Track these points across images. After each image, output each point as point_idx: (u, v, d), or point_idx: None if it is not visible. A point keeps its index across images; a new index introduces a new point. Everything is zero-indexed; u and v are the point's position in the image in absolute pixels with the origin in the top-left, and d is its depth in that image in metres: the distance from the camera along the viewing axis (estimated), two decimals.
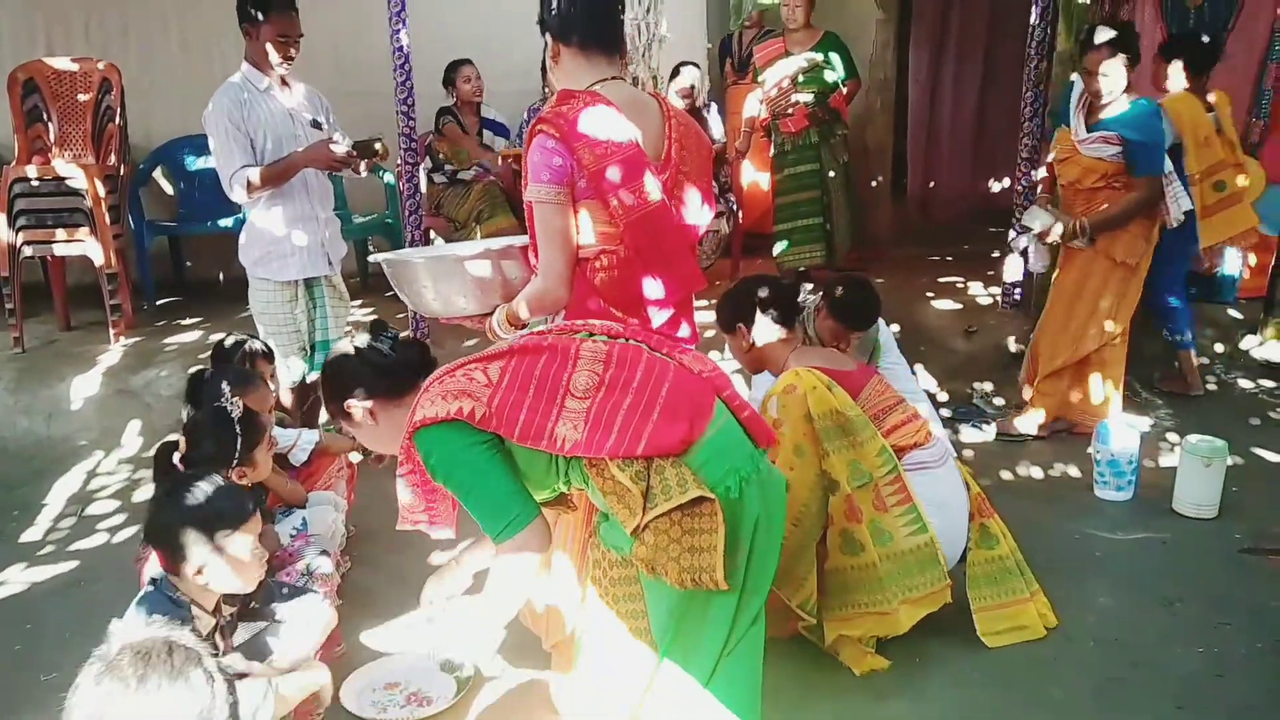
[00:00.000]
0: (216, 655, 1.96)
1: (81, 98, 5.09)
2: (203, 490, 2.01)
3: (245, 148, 3.43)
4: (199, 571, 1.98)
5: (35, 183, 4.67)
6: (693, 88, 5.71)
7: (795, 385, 2.69)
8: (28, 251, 4.78)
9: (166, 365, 4.70)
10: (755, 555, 1.85)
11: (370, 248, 5.96)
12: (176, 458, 2.60)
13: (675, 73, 5.60)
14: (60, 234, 4.74)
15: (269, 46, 3.42)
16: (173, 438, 2.68)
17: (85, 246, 4.76)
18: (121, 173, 5.21)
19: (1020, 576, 2.84)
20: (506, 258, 2.41)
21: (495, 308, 2.37)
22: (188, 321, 5.36)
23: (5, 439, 4.34)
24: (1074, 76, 4.14)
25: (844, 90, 5.70)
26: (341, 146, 3.46)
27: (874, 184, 6.87)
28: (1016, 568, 2.84)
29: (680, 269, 2.35)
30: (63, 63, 5.13)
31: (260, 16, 3.41)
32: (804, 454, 2.67)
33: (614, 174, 2.21)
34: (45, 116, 5.11)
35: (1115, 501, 3.68)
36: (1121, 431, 3.67)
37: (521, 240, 2.47)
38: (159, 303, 5.69)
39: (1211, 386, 4.79)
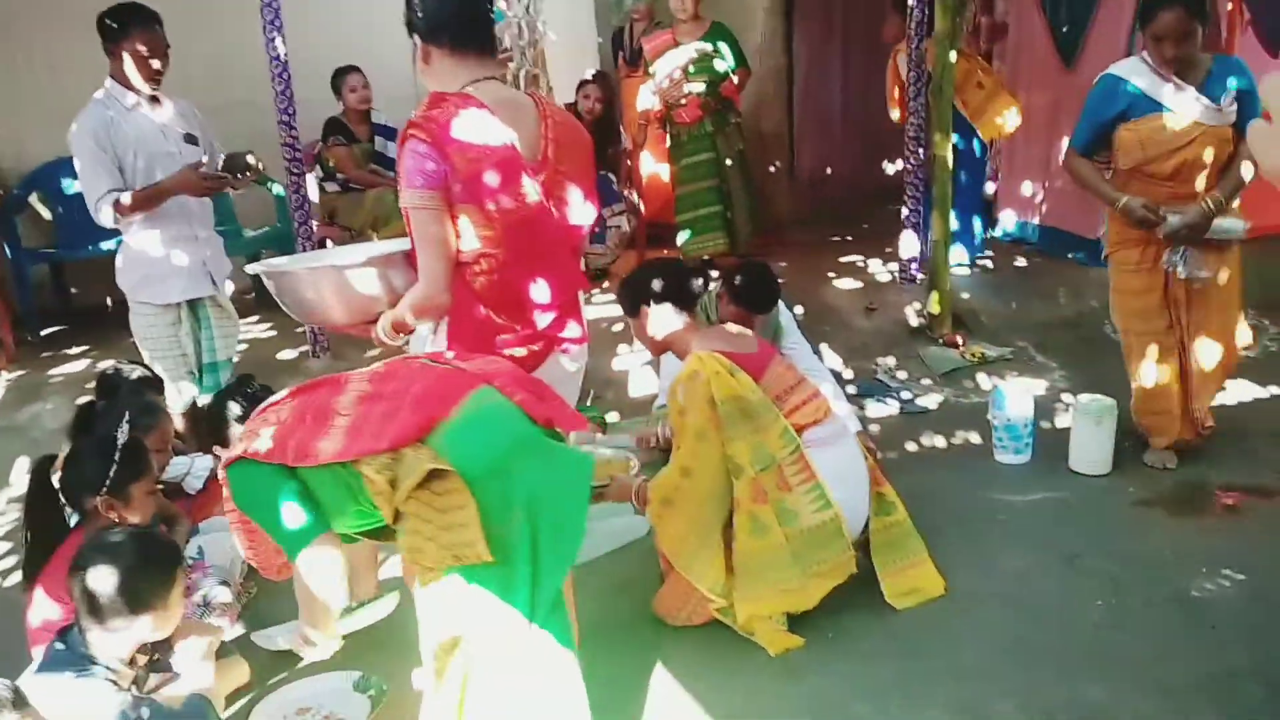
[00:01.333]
0: (144, 702, 1.92)
1: None
2: (136, 551, 2.00)
3: (112, 170, 3.29)
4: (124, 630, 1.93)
5: None
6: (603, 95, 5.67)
7: (699, 371, 2.70)
8: None
9: (52, 398, 4.52)
10: (543, 532, 1.91)
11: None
12: (56, 479, 2.50)
13: (582, 83, 5.60)
14: None
15: (131, 64, 3.29)
16: (51, 453, 2.58)
17: None
18: None
19: (916, 538, 2.93)
20: (390, 264, 2.36)
21: (380, 315, 2.33)
22: (74, 351, 5.16)
23: None
24: (1119, 66, 3.48)
25: (734, 79, 5.75)
26: (209, 168, 3.34)
27: (772, 169, 6.94)
28: (913, 530, 2.93)
29: (562, 271, 2.34)
30: None
31: (120, 33, 3.28)
32: (707, 439, 2.69)
33: (489, 178, 2.18)
34: None
35: (1015, 465, 3.78)
36: (1016, 396, 3.78)
37: (405, 245, 2.43)
38: (44, 333, 5.47)
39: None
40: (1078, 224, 5.79)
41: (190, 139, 3.47)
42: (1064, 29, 5.87)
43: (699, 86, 5.64)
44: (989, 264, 6.02)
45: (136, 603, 1.94)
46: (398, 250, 2.40)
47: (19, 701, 1.37)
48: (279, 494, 1.95)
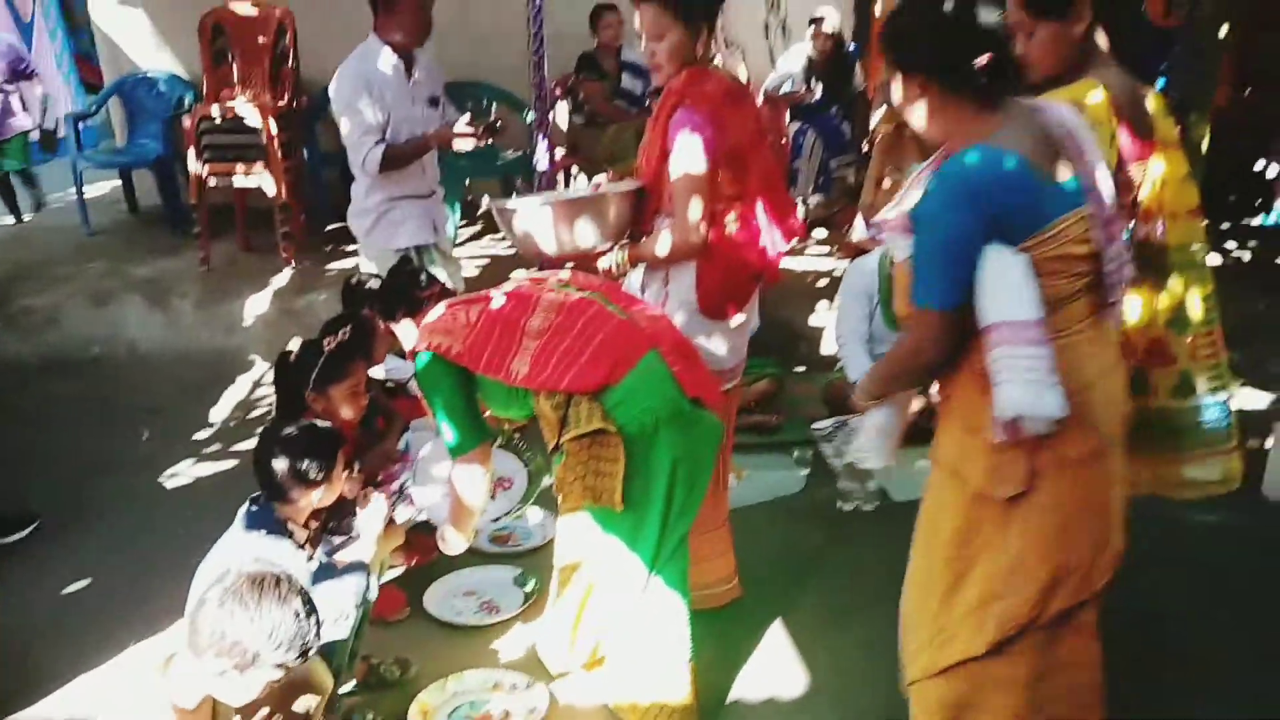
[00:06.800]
0: (310, 559, 2.38)
1: (260, 40, 5.58)
2: (301, 439, 2.38)
3: (379, 124, 3.45)
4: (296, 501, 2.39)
5: (218, 121, 5.23)
6: (836, 33, 5.63)
7: None
8: (213, 182, 5.37)
9: (326, 290, 5.17)
10: (678, 490, 2.23)
11: (518, 185, 6.16)
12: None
13: (814, 20, 5.57)
14: (239, 167, 5.29)
15: (409, 19, 3.42)
16: (290, 348, 2.95)
17: (260, 179, 5.30)
18: (296, 109, 5.71)
19: None
20: (617, 203, 2.60)
21: (603, 248, 2.61)
22: (350, 248, 5.80)
23: (190, 349, 4.98)
24: None
25: None
26: (468, 142, 3.49)
27: None
28: None
29: (783, 214, 2.66)
30: (244, 8, 5.62)
31: None
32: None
33: (740, 144, 2.50)
34: (230, 58, 5.65)
35: None
36: None
37: (623, 186, 2.68)
38: (329, 229, 6.19)
39: None
40: None
41: (433, 101, 3.64)
42: None
43: None
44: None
45: (304, 480, 2.34)
46: (620, 189, 2.66)
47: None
48: (456, 397, 2.33)
